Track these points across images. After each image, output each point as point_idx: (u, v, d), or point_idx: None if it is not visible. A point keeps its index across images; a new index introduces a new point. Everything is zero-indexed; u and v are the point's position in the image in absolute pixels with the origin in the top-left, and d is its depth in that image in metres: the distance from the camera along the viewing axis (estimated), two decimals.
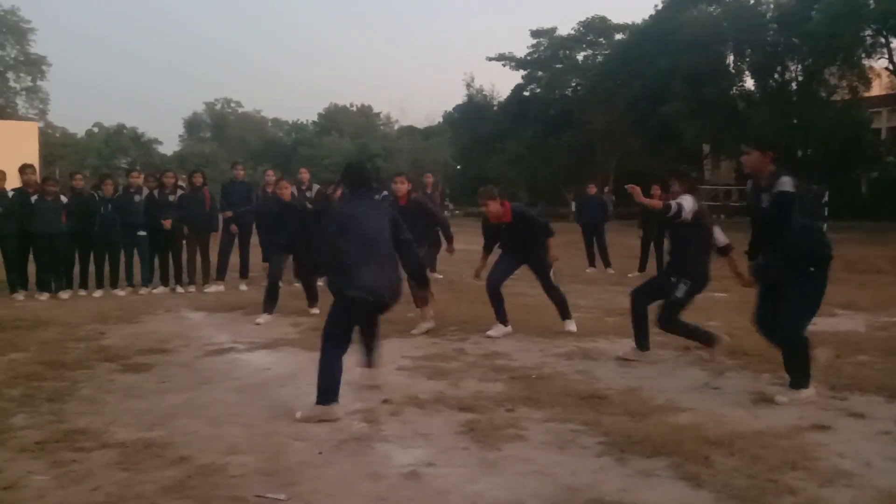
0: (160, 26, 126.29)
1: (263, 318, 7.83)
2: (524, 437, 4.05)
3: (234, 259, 10.69)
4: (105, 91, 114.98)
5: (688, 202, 5.53)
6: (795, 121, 31.57)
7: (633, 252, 12.76)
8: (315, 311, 8.13)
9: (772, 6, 33.49)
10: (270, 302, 8.00)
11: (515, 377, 5.39)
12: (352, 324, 4.65)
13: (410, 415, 4.50)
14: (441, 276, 10.87)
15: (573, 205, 27.80)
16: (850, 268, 13.26)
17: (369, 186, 4.95)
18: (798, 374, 4.77)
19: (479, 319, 7.50)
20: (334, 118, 72.76)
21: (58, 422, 4.35)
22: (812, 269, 4.67)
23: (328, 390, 4.41)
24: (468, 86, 49.23)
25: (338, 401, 4.44)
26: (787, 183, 4.58)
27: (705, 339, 5.87)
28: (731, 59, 34.98)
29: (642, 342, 5.97)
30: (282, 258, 8.45)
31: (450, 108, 53.97)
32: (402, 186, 7.58)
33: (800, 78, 33.34)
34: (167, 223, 9.89)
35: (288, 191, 8.62)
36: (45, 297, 9.37)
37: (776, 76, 33.77)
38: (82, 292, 9.75)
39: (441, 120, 58.19)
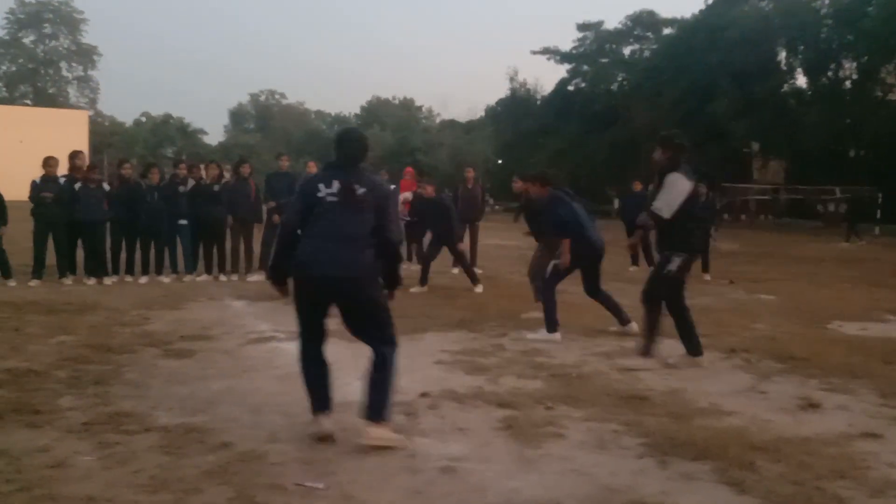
0: (204, 22, 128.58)
1: (417, 289, 9.16)
2: (563, 436, 4.01)
3: None
4: (152, 83, 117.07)
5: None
6: (848, 120, 30.78)
7: None
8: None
9: (826, 2, 32.67)
10: (424, 277, 9.50)
11: (555, 375, 5.33)
12: None
13: (448, 409, 4.48)
14: (481, 271, 10.82)
15: (616, 202, 27.50)
16: None
17: None
18: None
19: (518, 315, 7.46)
20: (376, 111, 72.89)
21: (103, 404, 4.43)
22: None
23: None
24: (511, 79, 49.13)
25: None
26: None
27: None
28: (782, 56, 34.25)
29: None
30: (438, 245, 9.83)
31: (492, 102, 53.86)
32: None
33: (854, 76, 32.49)
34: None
35: (431, 189, 10.20)
36: (92, 282, 9.57)
37: (829, 74, 32.95)
38: (128, 278, 9.94)
39: (483, 114, 57.96)
